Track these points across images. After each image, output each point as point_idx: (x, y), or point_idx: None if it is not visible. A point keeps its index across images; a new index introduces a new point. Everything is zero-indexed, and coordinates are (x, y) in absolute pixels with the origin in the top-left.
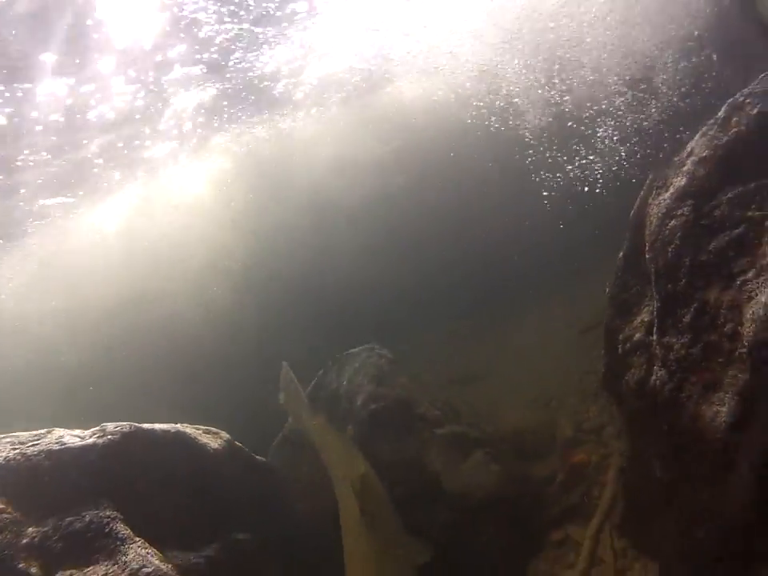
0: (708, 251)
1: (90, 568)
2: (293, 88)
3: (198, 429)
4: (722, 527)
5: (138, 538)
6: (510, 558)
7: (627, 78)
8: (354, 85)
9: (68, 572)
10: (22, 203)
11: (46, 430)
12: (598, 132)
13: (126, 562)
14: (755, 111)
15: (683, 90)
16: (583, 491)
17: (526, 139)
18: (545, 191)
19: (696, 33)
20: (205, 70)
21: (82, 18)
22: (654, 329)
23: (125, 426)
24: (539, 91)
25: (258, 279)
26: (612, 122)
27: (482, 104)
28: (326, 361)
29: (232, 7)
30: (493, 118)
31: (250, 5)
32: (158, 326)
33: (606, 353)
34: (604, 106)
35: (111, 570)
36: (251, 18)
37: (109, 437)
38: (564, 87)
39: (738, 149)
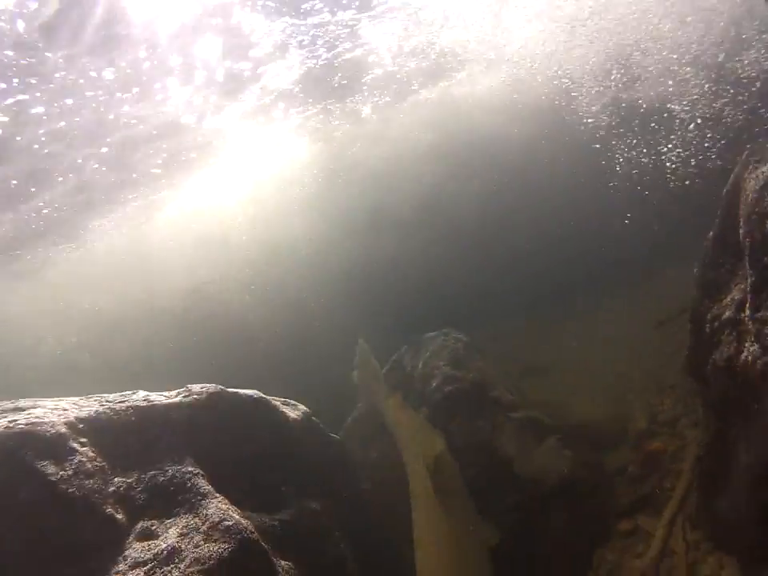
0: None
1: (171, 519)
2: None
3: (278, 399)
4: None
5: (218, 494)
6: (577, 546)
7: None
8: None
9: (150, 521)
10: None
11: (131, 391)
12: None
13: (206, 515)
14: None
15: None
16: (655, 482)
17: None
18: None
19: None
20: None
21: None
22: (747, 305)
23: (210, 386)
24: None
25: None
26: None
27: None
28: (401, 345)
29: None
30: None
31: None
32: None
33: (692, 334)
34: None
35: (192, 522)
36: None
37: (195, 396)
38: None
39: None
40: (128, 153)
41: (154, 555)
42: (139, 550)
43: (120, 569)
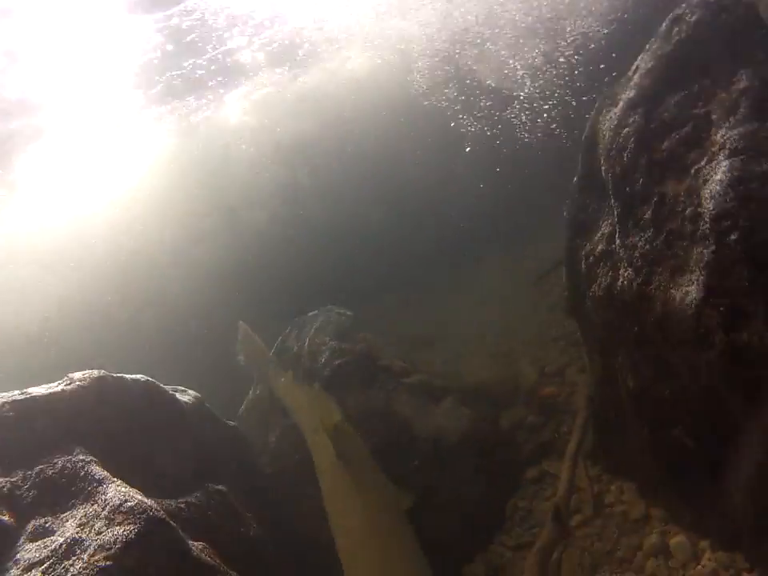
0: (661, 150)
1: (68, 512)
2: None
3: (167, 386)
4: (696, 416)
5: (116, 479)
6: (488, 500)
7: None
8: None
9: (42, 519)
10: None
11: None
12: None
13: (105, 500)
14: (693, 19)
15: None
16: (554, 428)
17: None
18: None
19: None
20: None
21: None
22: (616, 235)
23: (92, 372)
24: None
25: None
26: None
27: None
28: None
29: None
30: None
31: None
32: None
33: (568, 276)
34: None
35: (91, 510)
36: None
37: (78, 383)
38: None
39: (680, 57)
40: None
41: (51, 552)
42: (33, 551)
43: (12, 574)
